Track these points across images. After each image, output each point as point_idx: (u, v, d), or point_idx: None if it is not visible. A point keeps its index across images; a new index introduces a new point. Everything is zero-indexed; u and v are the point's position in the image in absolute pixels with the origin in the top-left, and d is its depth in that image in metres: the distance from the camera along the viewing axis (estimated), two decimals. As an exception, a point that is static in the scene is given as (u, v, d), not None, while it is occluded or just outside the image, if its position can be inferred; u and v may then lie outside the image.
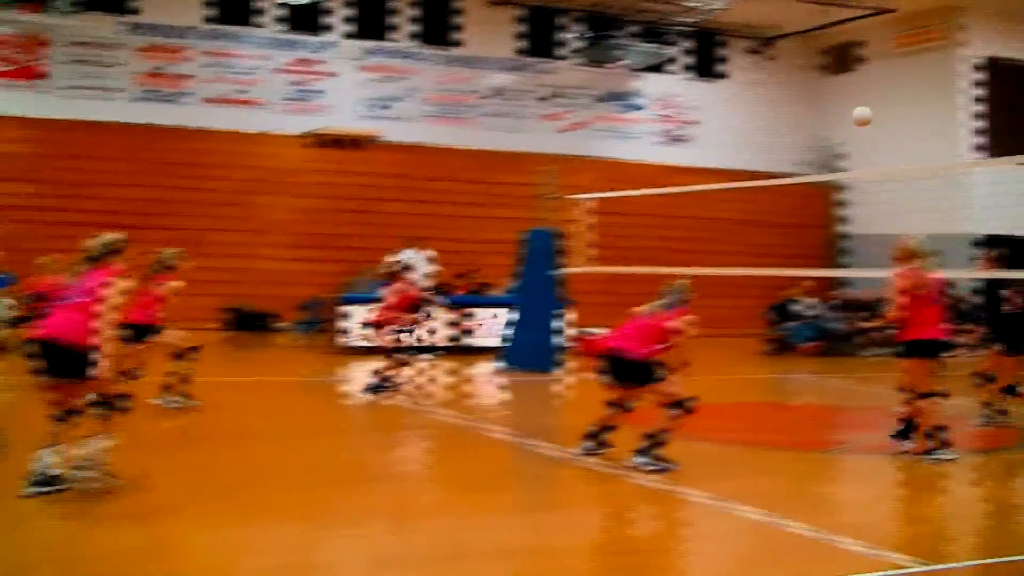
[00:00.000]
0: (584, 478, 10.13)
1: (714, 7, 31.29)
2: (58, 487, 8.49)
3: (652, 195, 27.16)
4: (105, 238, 9.03)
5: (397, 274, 15.91)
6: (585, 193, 21.05)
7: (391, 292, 15.54)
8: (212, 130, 28.30)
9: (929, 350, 11.18)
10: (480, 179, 30.38)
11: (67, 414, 8.62)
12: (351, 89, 30.24)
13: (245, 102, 29.06)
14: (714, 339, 30.83)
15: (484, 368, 20.15)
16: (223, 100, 28.84)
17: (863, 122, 13.20)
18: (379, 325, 15.49)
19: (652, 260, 27.31)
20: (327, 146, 29.35)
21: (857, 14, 31.70)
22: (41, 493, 8.41)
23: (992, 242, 30.43)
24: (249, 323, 26.92)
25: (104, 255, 8.91)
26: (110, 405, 8.87)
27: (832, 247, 34.41)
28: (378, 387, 15.18)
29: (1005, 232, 30.31)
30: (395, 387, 15.45)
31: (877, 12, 31.23)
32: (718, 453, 12.15)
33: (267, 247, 27.78)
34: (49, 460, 8.50)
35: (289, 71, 29.56)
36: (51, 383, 8.62)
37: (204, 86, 28.62)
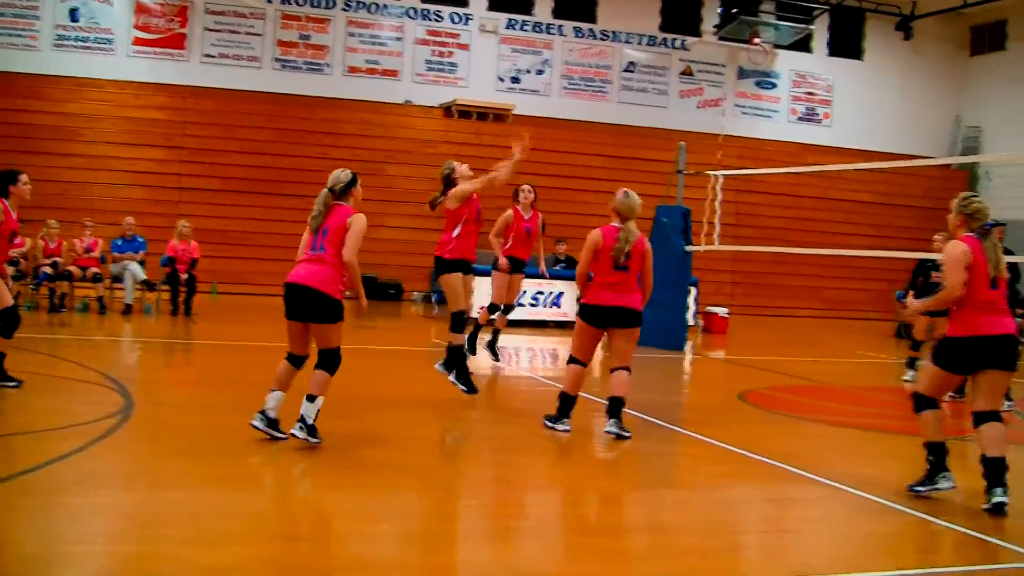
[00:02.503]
0: (707, 458, 10.14)
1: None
2: (276, 433, 9.16)
3: (784, 174, 27.01)
4: (344, 175, 9.46)
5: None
6: (717, 170, 20.94)
7: None
8: (349, 100, 28.67)
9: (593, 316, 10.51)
10: (613, 154, 30.32)
11: (301, 361, 9.28)
12: (488, 61, 30.42)
13: (383, 72, 29.37)
14: (844, 321, 30.58)
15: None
16: (361, 70, 29.19)
17: None
18: None
19: (781, 240, 27.22)
20: (462, 118, 29.52)
21: (1004, -7, 31.06)
22: (260, 429, 9.12)
23: None
24: (376, 292, 27.19)
25: (343, 192, 9.39)
26: (330, 362, 9.16)
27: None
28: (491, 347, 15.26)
29: None
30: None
31: (1025, -10, 30.57)
32: (839, 436, 12.09)
33: (398, 217, 27.99)
34: (274, 403, 9.18)
35: (427, 42, 29.80)
36: (296, 327, 9.24)
37: (343, 56, 28.99)
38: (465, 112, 29.52)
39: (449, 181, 12.01)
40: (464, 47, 30.22)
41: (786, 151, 31.97)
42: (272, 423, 9.15)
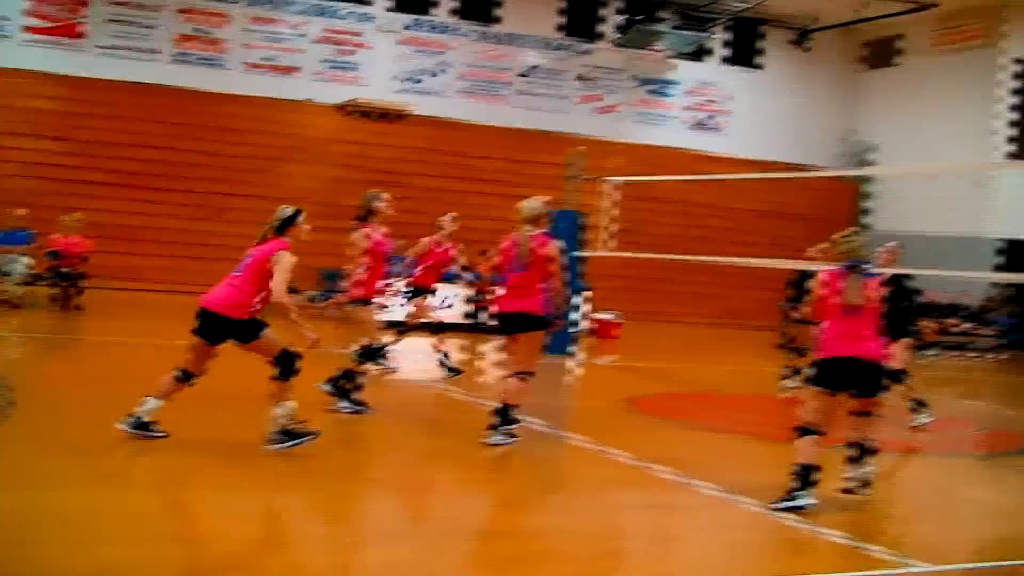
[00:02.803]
0: (592, 463, 10.22)
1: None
2: (151, 433, 8.99)
3: (678, 181, 27.24)
4: (285, 211, 9.39)
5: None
6: (613, 176, 21.07)
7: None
8: (246, 96, 28.36)
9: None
10: (510, 158, 30.38)
11: (190, 378, 9.13)
12: (387, 61, 30.29)
13: (281, 69, 29.13)
14: (734, 329, 30.91)
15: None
16: (259, 66, 28.92)
17: None
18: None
19: (674, 247, 27.44)
20: (359, 117, 29.40)
21: (898, 9, 31.48)
22: (132, 434, 8.94)
23: (1014, 245, 30.60)
24: None
25: (282, 228, 9.29)
26: (281, 368, 9.06)
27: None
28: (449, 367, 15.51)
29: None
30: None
31: (918, 8, 31.07)
32: (722, 443, 12.24)
33: (293, 215, 27.73)
34: (149, 408, 8.99)
35: (327, 40, 29.60)
36: (198, 345, 9.09)
37: (241, 52, 28.70)
38: (363, 112, 29.40)
39: (368, 212, 11.81)
40: (364, 46, 30.07)
41: (682, 159, 32.21)
42: (144, 425, 9.01)
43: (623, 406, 14.00)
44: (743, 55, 34.91)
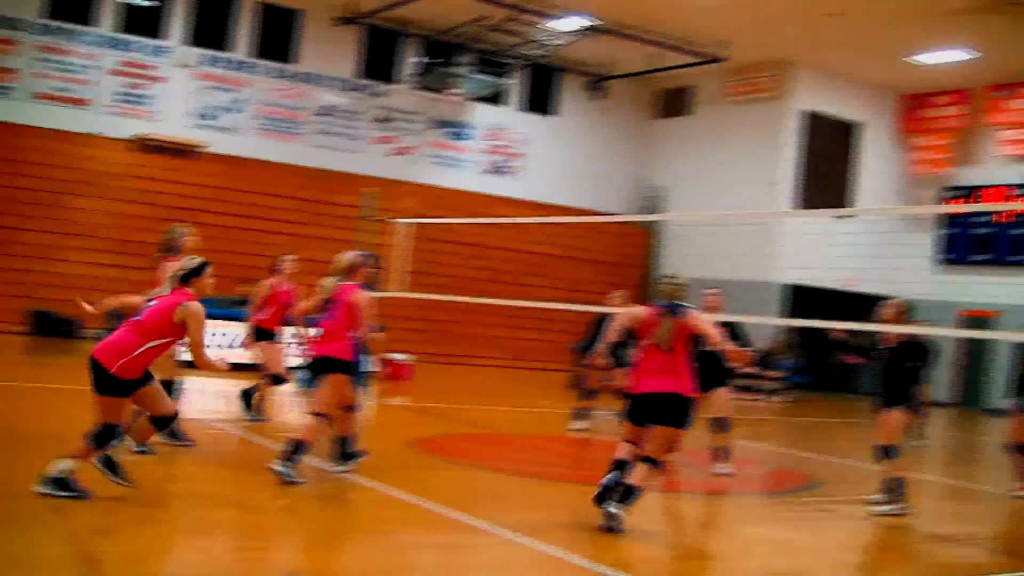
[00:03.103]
0: (380, 503, 10.21)
1: (554, 43, 31.71)
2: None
3: (472, 224, 27.41)
4: (191, 262, 9.22)
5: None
6: (407, 218, 21.14)
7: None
8: (33, 127, 27.55)
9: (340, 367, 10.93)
10: (304, 197, 30.20)
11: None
12: (182, 96, 29.85)
13: (72, 100, 28.45)
14: (527, 371, 31.17)
15: (286, 388, 19.62)
16: (49, 97, 28.18)
17: None
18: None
19: (468, 290, 27.58)
20: (152, 152, 28.88)
21: (691, 61, 32.25)
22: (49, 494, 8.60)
23: (798, 291, 31.62)
24: (52, 327, 25.81)
25: (186, 279, 9.09)
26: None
27: (646, 287, 34.32)
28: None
29: (810, 282, 31.42)
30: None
31: (710, 60, 31.87)
32: (509, 484, 12.33)
33: (79, 251, 27.08)
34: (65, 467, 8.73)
35: (120, 73, 29.02)
36: (96, 399, 8.83)
37: (31, 81, 27.92)
38: (156, 147, 28.90)
39: (172, 246, 11.64)
40: (159, 80, 29.59)
41: (477, 202, 32.40)
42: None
43: (412, 447, 14.01)
44: (540, 101, 35.41)
